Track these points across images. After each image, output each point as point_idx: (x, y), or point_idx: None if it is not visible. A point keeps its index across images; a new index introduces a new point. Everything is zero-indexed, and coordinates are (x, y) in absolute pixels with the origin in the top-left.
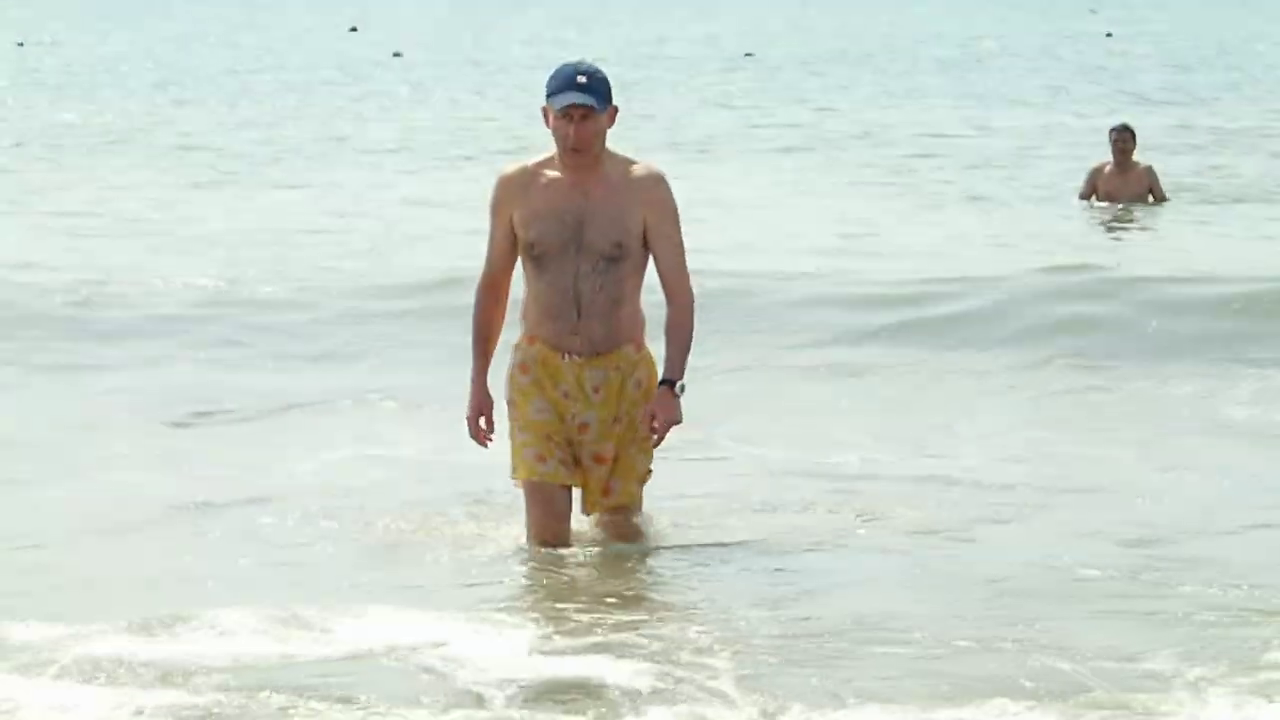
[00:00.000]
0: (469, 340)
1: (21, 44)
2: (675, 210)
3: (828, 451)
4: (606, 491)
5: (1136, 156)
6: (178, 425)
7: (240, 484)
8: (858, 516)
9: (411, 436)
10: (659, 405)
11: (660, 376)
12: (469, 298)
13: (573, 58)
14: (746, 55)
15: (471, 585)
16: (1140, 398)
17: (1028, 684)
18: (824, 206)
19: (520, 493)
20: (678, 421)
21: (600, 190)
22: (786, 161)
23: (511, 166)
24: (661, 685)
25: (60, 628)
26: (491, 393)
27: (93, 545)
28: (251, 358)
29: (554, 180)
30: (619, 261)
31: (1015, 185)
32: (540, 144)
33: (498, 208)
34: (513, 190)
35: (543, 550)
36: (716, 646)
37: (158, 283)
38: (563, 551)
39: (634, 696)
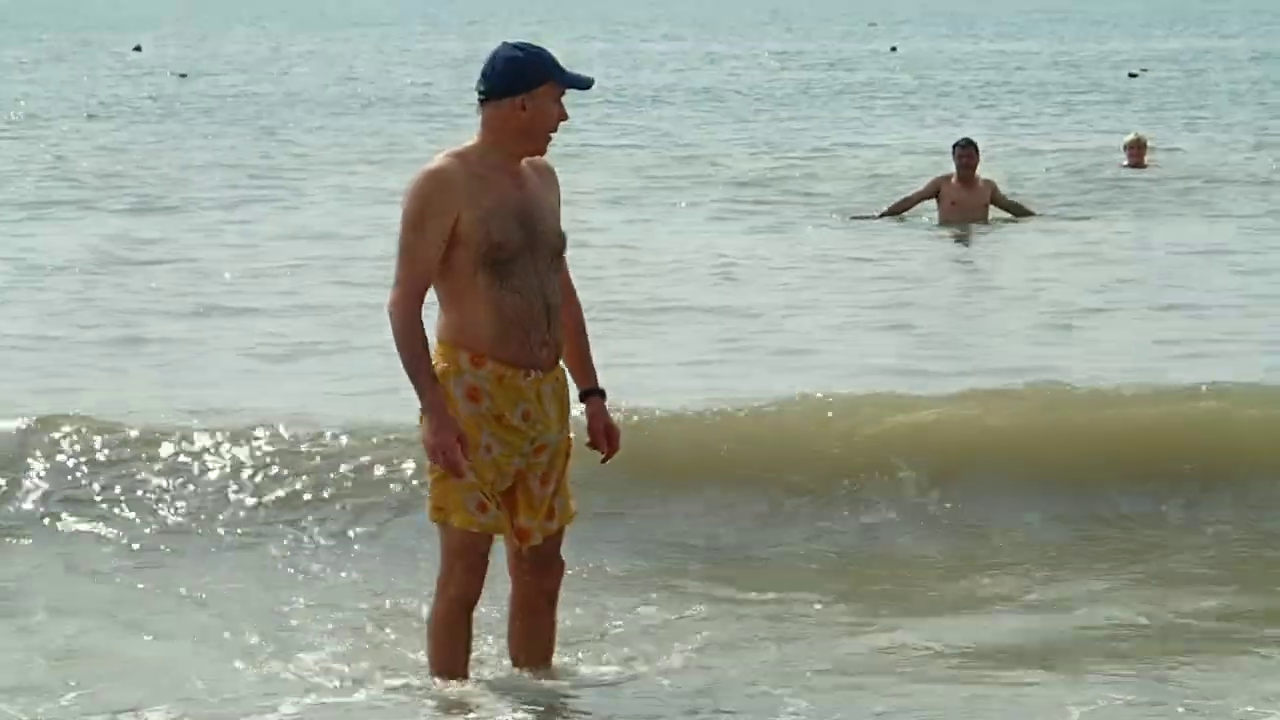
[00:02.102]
0: (403, 367)
1: None
2: None
3: None
4: (550, 513)
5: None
6: None
7: None
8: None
9: None
10: (606, 418)
11: (588, 385)
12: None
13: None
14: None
15: None
16: None
17: None
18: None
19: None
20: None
21: (530, 182)
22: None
23: (443, 161)
24: None
25: None
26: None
27: None
28: None
29: (491, 175)
30: (561, 255)
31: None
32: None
33: (438, 208)
34: (456, 187)
35: (458, 618)
36: None
37: None
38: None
39: None
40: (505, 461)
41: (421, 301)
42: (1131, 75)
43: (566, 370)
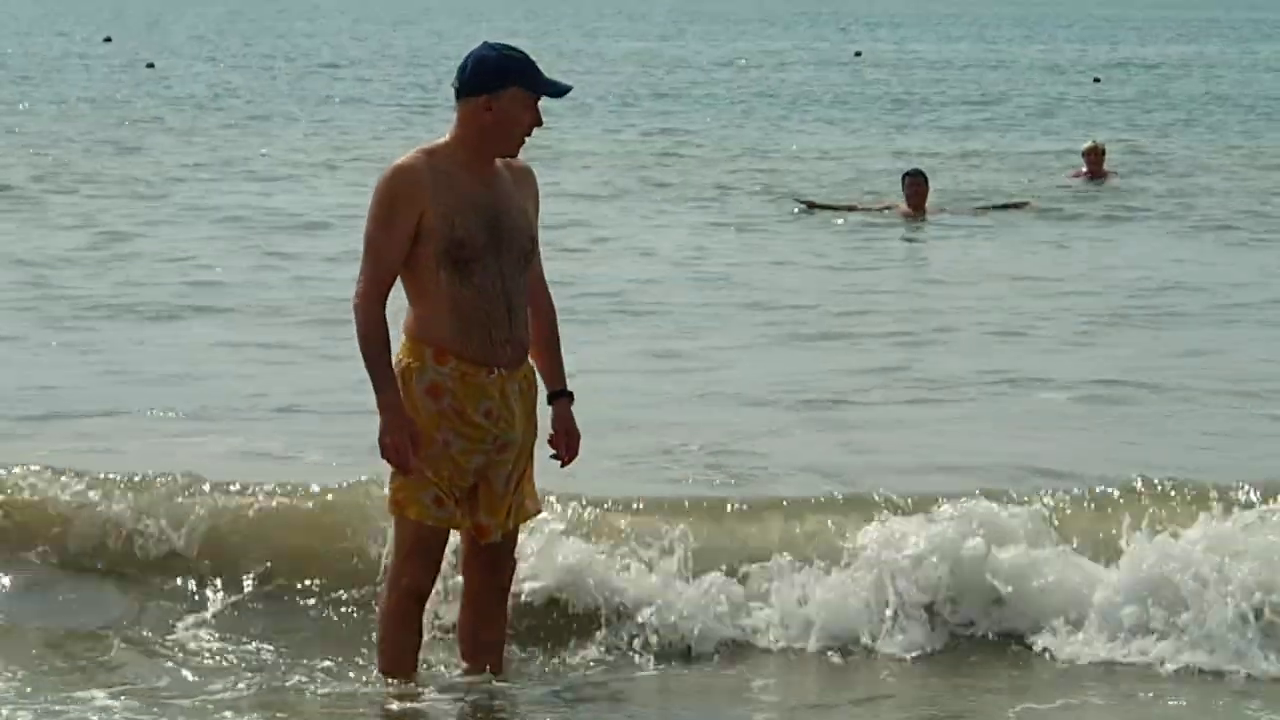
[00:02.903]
0: (361, 360)
1: None
2: None
3: None
4: (512, 510)
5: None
6: None
7: None
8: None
9: None
10: (569, 422)
11: (554, 388)
12: None
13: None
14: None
15: None
16: None
17: None
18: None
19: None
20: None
21: (501, 183)
22: None
23: (411, 157)
24: None
25: None
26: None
27: None
28: None
29: (458, 172)
30: (530, 256)
31: None
32: None
33: (404, 203)
34: (422, 183)
35: (409, 611)
36: None
37: None
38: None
39: None
40: (464, 459)
41: (384, 298)
42: (1096, 80)
43: (536, 370)
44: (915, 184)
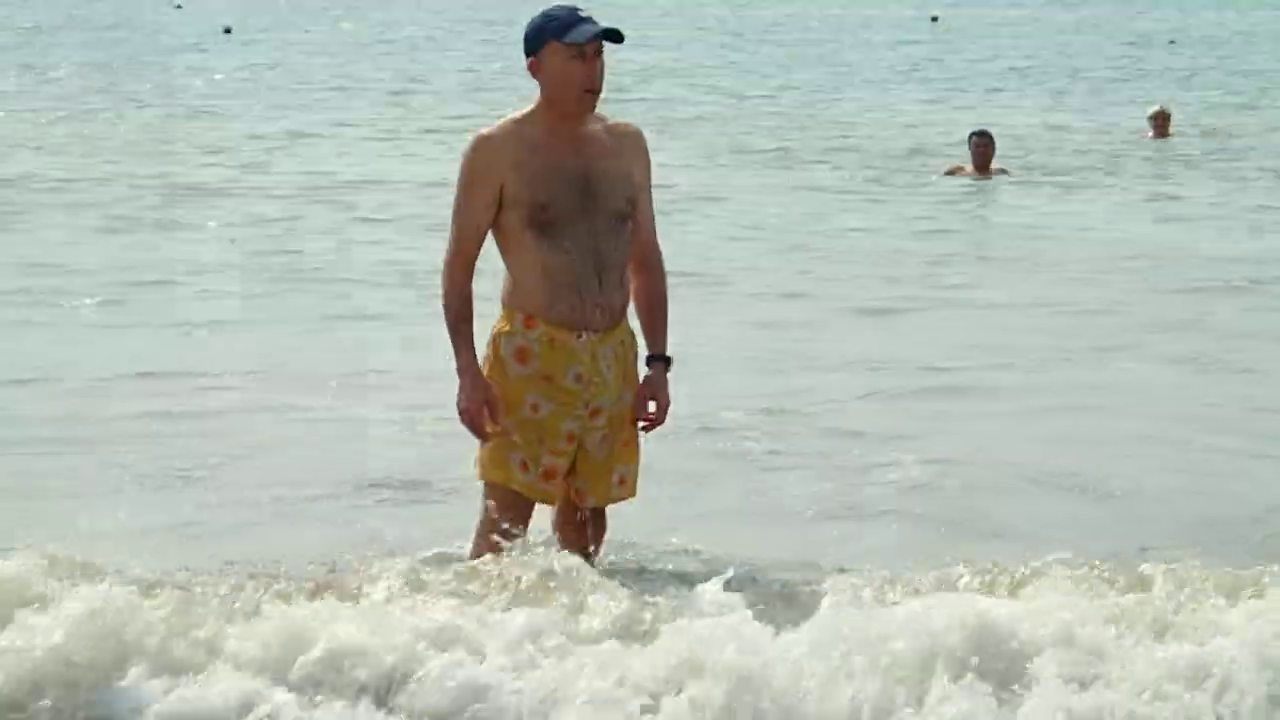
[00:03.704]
0: (444, 327)
1: None
2: (652, 171)
3: None
4: (621, 479)
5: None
6: None
7: None
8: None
9: None
10: (658, 388)
11: (647, 352)
12: None
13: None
14: None
15: None
16: None
17: None
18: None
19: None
20: (669, 402)
21: (595, 146)
22: None
23: (490, 128)
24: None
25: None
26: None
27: None
28: None
29: (545, 138)
30: (627, 221)
31: None
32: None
33: (481, 174)
34: (501, 152)
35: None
36: None
37: None
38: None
39: None
40: (555, 422)
41: (469, 266)
42: (933, 19)
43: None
44: (982, 144)
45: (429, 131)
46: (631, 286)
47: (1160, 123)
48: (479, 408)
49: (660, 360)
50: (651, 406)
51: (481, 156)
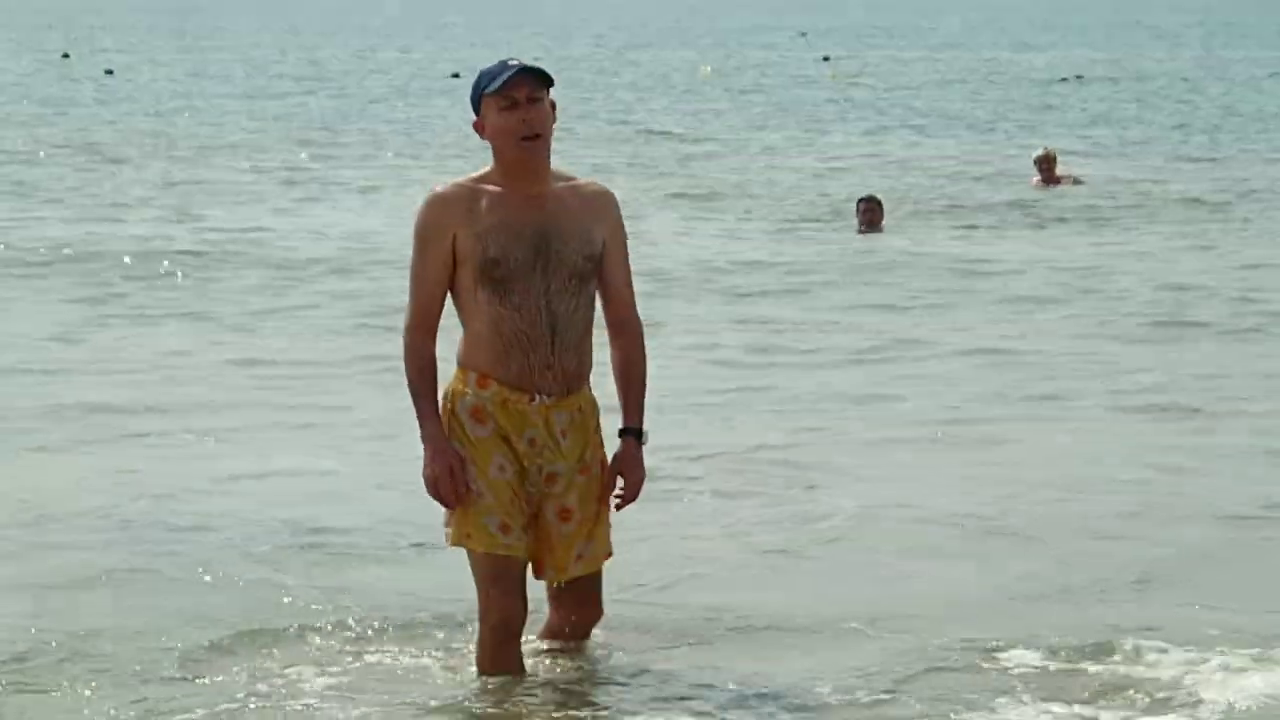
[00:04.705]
0: (406, 391)
1: None
2: (625, 233)
3: None
4: (579, 556)
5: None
6: None
7: None
8: None
9: None
10: (628, 463)
11: (622, 424)
12: None
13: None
14: None
15: None
16: None
17: None
18: None
19: (457, 556)
20: (643, 478)
21: (554, 202)
22: None
23: (446, 186)
24: None
25: None
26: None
27: None
28: None
29: (501, 194)
30: (588, 281)
31: None
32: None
33: (434, 231)
34: (453, 208)
35: (503, 646)
36: None
37: None
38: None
39: None
40: (520, 484)
41: (428, 328)
42: (825, 59)
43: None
44: (869, 209)
45: None
46: (610, 354)
47: (1046, 167)
48: (445, 474)
49: (631, 434)
50: (621, 484)
51: (433, 212)
